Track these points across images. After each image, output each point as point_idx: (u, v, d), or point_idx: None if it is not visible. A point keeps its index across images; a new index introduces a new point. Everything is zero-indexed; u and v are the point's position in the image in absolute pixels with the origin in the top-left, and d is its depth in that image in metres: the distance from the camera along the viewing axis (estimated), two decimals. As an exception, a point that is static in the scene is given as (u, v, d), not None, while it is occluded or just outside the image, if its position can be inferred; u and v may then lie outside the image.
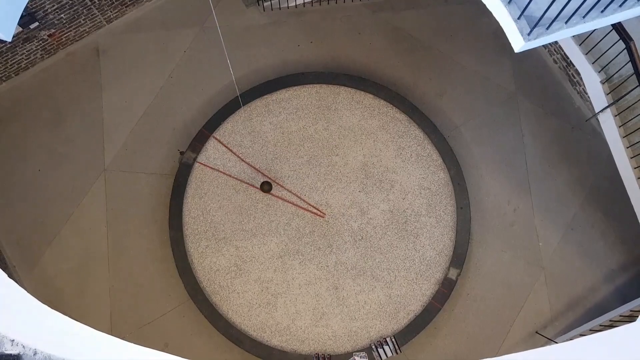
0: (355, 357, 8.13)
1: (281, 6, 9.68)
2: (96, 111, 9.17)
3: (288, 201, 8.71)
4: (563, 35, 4.13)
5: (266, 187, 8.58)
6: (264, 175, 8.76)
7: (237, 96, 9.10)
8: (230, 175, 8.78)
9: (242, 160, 8.85)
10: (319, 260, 8.54)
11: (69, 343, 2.32)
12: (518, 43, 4.07)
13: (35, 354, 2.14)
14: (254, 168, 8.82)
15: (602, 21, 4.10)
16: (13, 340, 2.18)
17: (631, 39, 6.40)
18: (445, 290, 8.46)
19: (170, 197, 8.73)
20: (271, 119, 9.09)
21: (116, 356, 2.33)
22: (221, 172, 8.81)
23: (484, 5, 4.20)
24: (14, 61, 8.81)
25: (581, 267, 8.80)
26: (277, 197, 8.73)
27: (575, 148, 9.24)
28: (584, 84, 7.57)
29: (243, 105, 8.98)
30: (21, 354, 2.15)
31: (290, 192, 8.73)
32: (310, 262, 8.54)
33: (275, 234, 8.63)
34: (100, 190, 8.87)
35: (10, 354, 2.12)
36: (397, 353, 8.09)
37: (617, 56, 6.74)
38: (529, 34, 3.99)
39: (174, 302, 8.49)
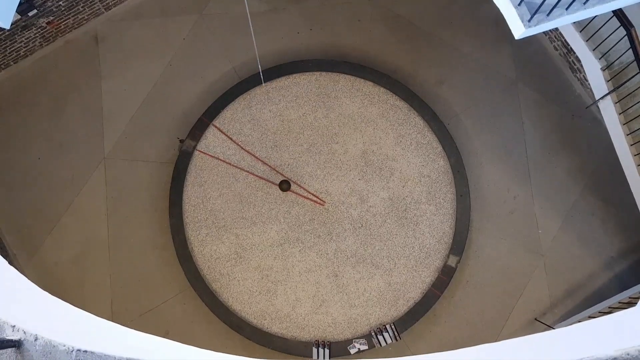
0: (355, 344, 8.20)
1: (280, -7, 9.63)
2: (95, 99, 9.15)
3: (288, 189, 8.71)
4: (564, 21, 4.11)
5: (285, 185, 8.60)
6: (264, 163, 8.76)
7: (238, 82, 9.12)
8: (229, 164, 8.78)
9: (242, 148, 8.84)
10: (319, 247, 8.57)
11: (70, 329, 2.33)
12: (518, 30, 4.06)
13: (36, 339, 2.15)
14: (254, 156, 8.81)
15: (603, 7, 4.07)
16: (14, 326, 2.19)
17: (632, 26, 6.37)
18: (444, 278, 8.49)
19: (170, 185, 8.73)
20: (271, 106, 9.07)
21: (117, 342, 2.34)
22: (221, 160, 8.81)
23: (485, -9, 4.18)
24: (12, 49, 8.77)
25: (580, 254, 8.82)
26: (277, 185, 8.73)
27: (575, 135, 9.21)
28: (584, 71, 7.53)
29: (242, 94, 9.00)
30: (22, 339, 2.16)
31: (290, 180, 8.73)
32: (310, 249, 8.56)
33: (275, 222, 8.64)
34: (100, 178, 8.87)
35: (11, 340, 2.13)
36: (396, 340, 8.15)
37: (617, 43, 6.70)
38: (529, 21, 3.97)
39: (174, 289, 8.53)
